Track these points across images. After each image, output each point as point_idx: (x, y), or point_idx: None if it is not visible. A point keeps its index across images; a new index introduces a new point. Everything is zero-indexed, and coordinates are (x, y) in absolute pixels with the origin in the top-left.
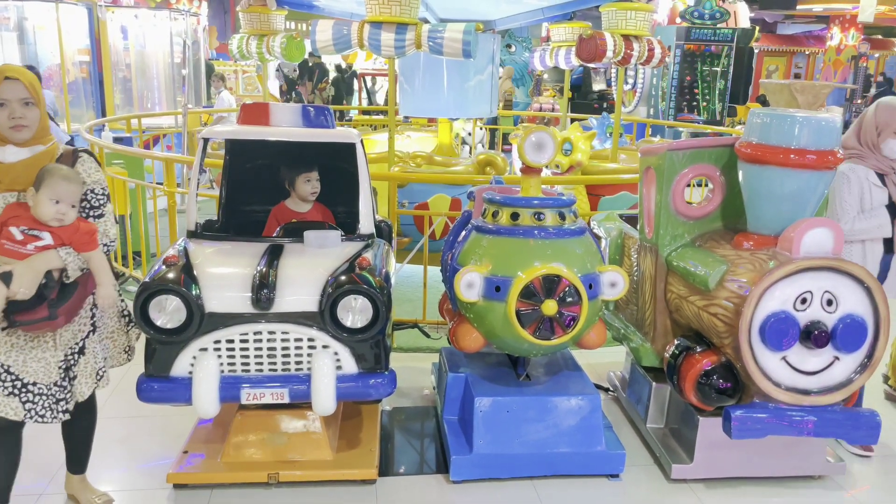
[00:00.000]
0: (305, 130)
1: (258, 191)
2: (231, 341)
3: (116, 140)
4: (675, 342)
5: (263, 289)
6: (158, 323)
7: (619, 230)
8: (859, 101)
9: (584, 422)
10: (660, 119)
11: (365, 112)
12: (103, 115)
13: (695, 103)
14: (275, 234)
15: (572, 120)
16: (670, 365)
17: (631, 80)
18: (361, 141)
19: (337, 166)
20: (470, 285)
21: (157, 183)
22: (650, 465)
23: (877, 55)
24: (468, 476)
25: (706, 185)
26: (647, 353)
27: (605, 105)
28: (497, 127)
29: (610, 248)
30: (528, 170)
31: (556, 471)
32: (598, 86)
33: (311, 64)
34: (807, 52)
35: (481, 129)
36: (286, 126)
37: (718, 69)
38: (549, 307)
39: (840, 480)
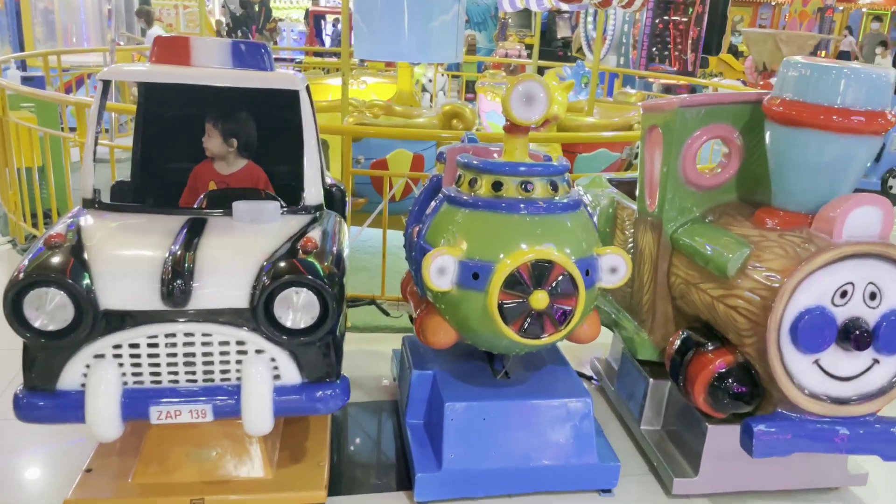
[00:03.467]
0: (234, 73)
1: (181, 147)
2: (136, 346)
3: (26, 80)
4: (681, 335)
5: (177, 278)
6: (37, 324)
7: (610, 199)
8: (822, 55)
9: (574, 430)
10: (630, 68)
11: (317, 54)
12: (21, 50)
13: (666, 52)
14: (196, 204)
15: (540, 68)
16: (675, 362)
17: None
18: (307, 88)
19: (276, 118)
20: (441, 271)
21: (71, 129)
22: (645, 474)
23: (842, 8)
24: (436, 496)
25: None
26: (644, 344)
27: (568, 52)
28: (460, 74)
29: (599, 220)
30: (514, 128)
31: (540, 487)
32: (562, 32)
33: (255, 2)
34: (773, 4)
35: (443, 75)
36: (211, 66)
37: (692, 16)
38: (539, 300)
39: (860, 492)
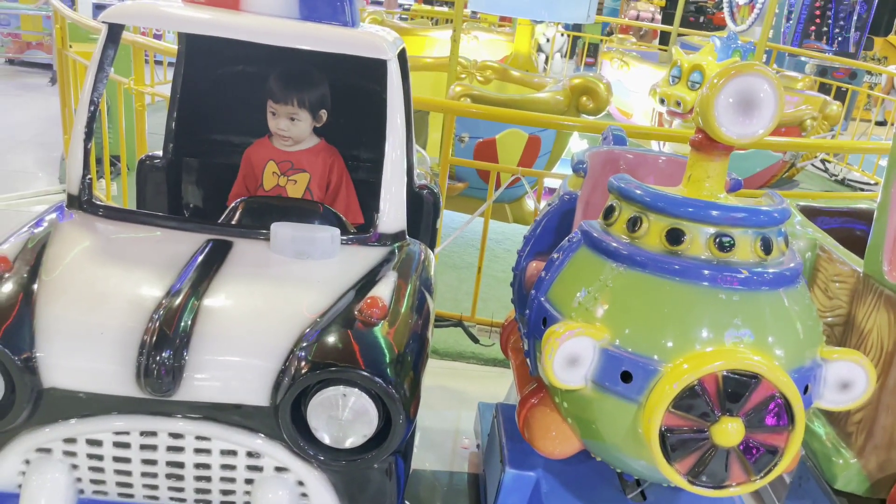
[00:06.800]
0: (298, 27)
1: (232, 114)
2: (97, 443)
3: (99, 8)
4: None
5: (164, 349)
6: None
7: (809, 242)
8: None
9: None
10: (780, 44)
11: (427, 0)
12: None
13: (825, 29)
14: (222, 218)
15: (680, 36)
16: None
17: None
18: (402, 53)
19: (354, 85)
20: (573, 362)
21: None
22: None
23: None
24: None
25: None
26: (849, 470)
27: (702, 19)
28: (581, 34)
29: None
30: (711, 145)
31: None
32: None
33: None
34: None
35: (562, 34)
36: (267, 14)
37: None
38: (729, 432)
39: None
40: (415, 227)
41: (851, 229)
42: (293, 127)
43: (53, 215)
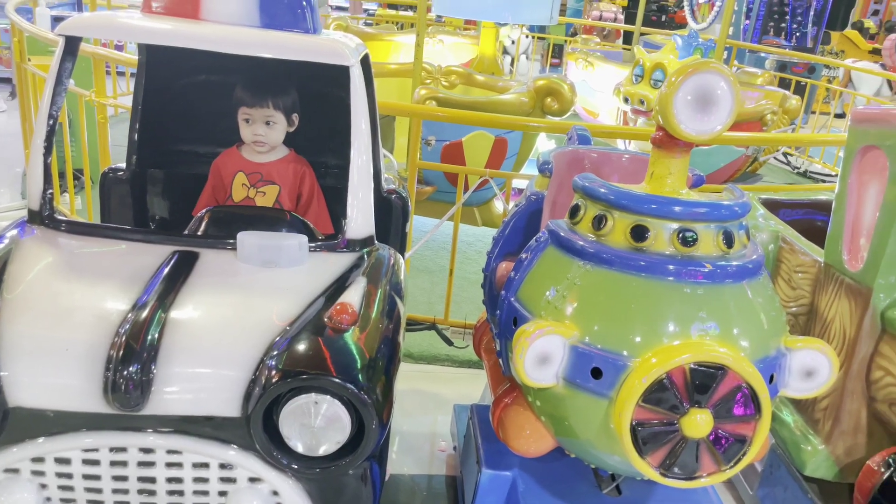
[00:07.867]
0: (259, 35)
1: (196, 123)
2: (66, 462)
3: (57, 21)
4: (891, 464)
5: (131, 363)
6: None
7: (772, 234)
8: None
9: None
10: (740, 41)
11: (391, 6)
12: None
13: (783, 25)
14: (187, 229)
15: (643, 35)
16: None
17: None
18: (366, 59)
19: (318, 92)
20: (544, 360)
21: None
22: None
23: None
24: None
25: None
26: (817, 457)
27: (664, 18)
28: (546, 36)
29: None
30: (671, 142)
31: None
32: None
33: None
34: None
35: (527, 36)
36: (227, 22)
37: None
38: (698, 423)
39: None
40: (384, 232)
41: (812, 220)
42: (270, 131)
43: (14, 232)
